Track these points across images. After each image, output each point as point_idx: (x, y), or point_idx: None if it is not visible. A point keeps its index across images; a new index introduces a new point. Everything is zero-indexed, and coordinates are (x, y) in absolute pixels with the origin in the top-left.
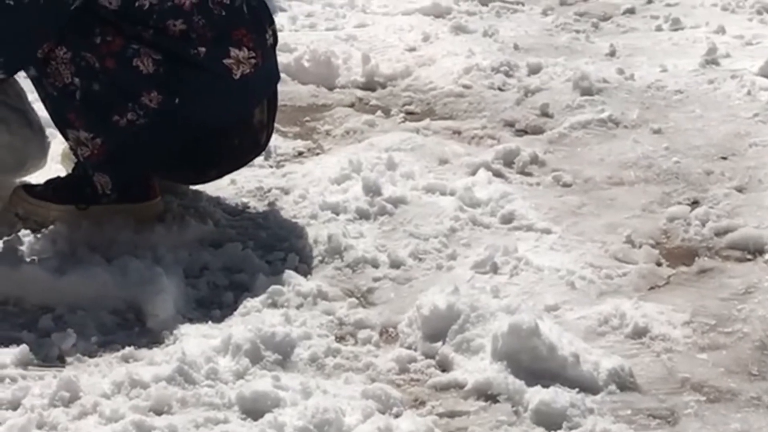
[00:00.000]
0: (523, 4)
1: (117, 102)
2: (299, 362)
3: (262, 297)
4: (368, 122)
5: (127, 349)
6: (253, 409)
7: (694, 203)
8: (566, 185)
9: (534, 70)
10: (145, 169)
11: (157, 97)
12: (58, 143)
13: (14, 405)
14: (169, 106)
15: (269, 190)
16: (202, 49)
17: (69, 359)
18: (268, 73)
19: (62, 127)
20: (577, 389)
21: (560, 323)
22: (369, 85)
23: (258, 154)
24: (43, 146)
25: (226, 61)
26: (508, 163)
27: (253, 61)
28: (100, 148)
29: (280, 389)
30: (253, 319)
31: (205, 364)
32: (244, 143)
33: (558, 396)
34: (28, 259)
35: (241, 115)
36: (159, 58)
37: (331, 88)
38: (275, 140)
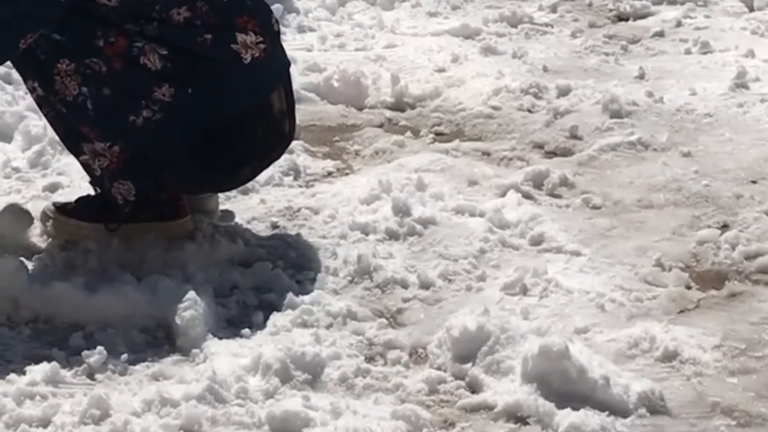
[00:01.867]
0: (552, 26)
1: (130, 103)
2: (329, 382)
3: (292, 316)
4: (397, 143)
5: (157, 367)
6: (283, 428)
7: (724, 227)
8: (596, 207)
9: (563, 92)
10: (169, 173)
11: (170, 90)
12: None
13: (45, 422)
14: (183, 98)
15: (299, 210)
16: (209, 36)
17: (99, 377)
18: (278, 57)
19: (75, 144)
20: (607, 412)
21: (590, 346)
22: (398, 106)
23: (285, 148)
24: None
25: (234, 47)
26: (538, 185)
27: (261, 45)
28: (119, 155)
29: (310, 409)
30: (282, 338)
31: (235, 383)
32: (269, 134)
33: (588, 419)
34: (58, 277)
35: (257, 99)
36: (165, 53)
37: (360, 109)
38: (304, 160)
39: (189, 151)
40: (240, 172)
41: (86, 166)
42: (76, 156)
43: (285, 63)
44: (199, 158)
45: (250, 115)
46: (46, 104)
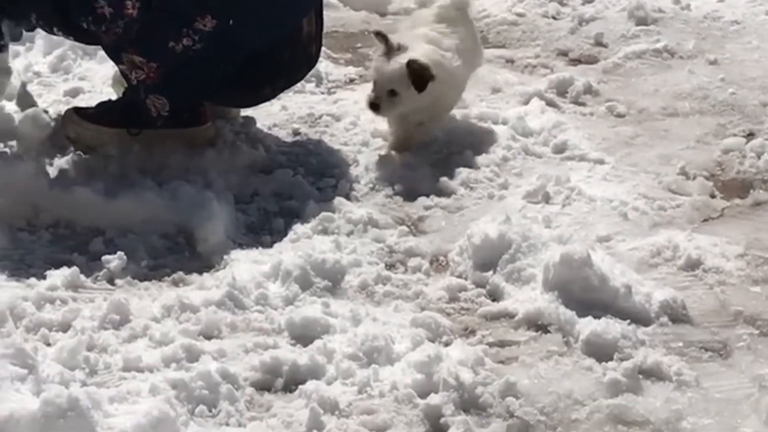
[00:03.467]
0: None
1: (172, 28)
2: (349, 289)
3: (313, 223)
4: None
5: (177, 274)
6: (303, 335)
7: (750, 135)
8: (620, 116)
9: None
10: (202, 91)
11: (211, 21)
12: (110, 67)
13: (64, 327)
14: (223, 29)
15: (320, 117)
16: None
17: (119, 282)
18: None
19: (116, 53)
20: (628, 321)
21: (612, 254)
22: None
23: (310, 68)
24: None
25: None
26: (562, 93)
27: None
28: (156, 71)
29: (329, 315)
30: (303, 245)
31: (255, 290)
32: (296, 57)
33: (609, 327)
34: (79, 182)
35: (292, 26)
36: None
37: (383, 15)
38: (326, 67)
39: (220, 73)
40: (263, 91)
41: (124, 75)
42: (116, 63)
43: None
44: (229, 79)
45: (280, 39)
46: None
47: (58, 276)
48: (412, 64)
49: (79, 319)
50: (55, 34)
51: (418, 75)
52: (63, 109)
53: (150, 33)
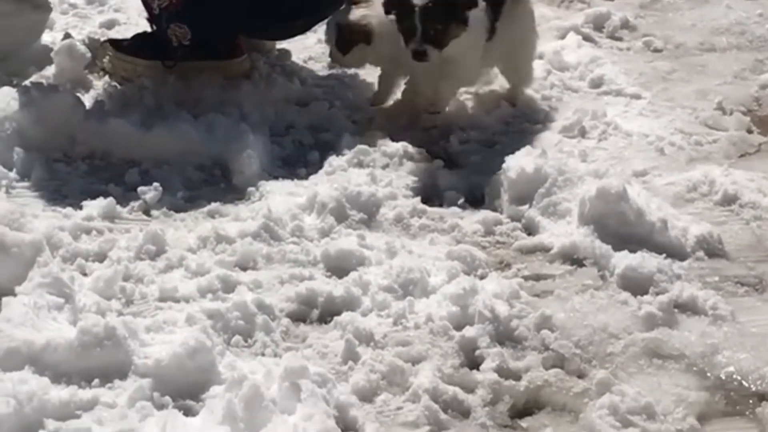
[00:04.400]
0: None
1: None
2: (384, 222)
3: (348, 156)
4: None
5: (213, 205)
6: (338, 266)
7: None
8: (657, 50)
9: None
10: (224, 20)
11: None
12: None
13: (101, 257)
14: None
15: None
16: None
17: (155, 213)
18: None
19: None
20: (664, 255)
21: (648, 189)
22: None
23: (341, 4)
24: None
25: None
26: (598, 28)
27: None
28: None
29: (365, 248)
30: (338, 177)
31: (290, 222)
32: None
33: (645, 261)
34: (114, 114)
35: None
36: None
37: None
38: None
39: (246, 2)
40: (295, 23)
41: (145, 4)
42: None
43: None
44: (255, 9)
45: None
46: None
47: (94, 206)
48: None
49: (115, 249)
50: None
51: (344, 38)
52: (98, 40)
53: None
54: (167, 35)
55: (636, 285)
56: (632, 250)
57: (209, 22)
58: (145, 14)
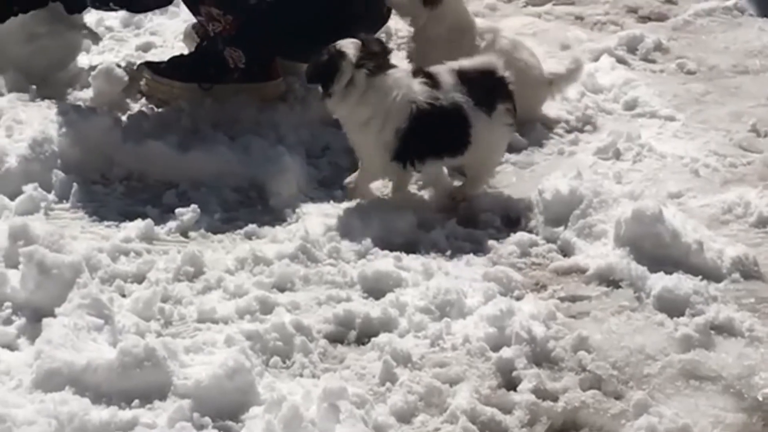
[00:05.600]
0: None
1: None
2: (421, 243)
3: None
4: (490, 6)
5: (250, 227)
6: (375, 288)
7: None
8: (690, 73)
9: None
10: (276, 43)
11: None
12: (180, 22)
13: (139, 278)
14: None
15: None
16: None
17: (192, 234)
18: None
19: (194, 3)
20: (700, 276)
21: (683, 210)
22: None
23: (381, 25)
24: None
25: None
26: (632, 50)
27: None
28: (232, 23)
29: (402, 269)
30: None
31: (327, 243)
32: (368, 12)
33: (681, 283)
34: (151, 135)
35: None
36: None
37: None
38: (396, 23)
39: (294, 28)
40: None
41: (202, 26)
42: (194, 15)
43: None
44: (299, 31)
45: None
46: None
47: (132, 228)
48: None
49: (154, 270)
50: (111, 9)
51: None
52: (135, 63)
53: None
54: (224, 57)
55: (672, 306)
56: (668, 272)
57: (262, 45)
58: (180, 36)
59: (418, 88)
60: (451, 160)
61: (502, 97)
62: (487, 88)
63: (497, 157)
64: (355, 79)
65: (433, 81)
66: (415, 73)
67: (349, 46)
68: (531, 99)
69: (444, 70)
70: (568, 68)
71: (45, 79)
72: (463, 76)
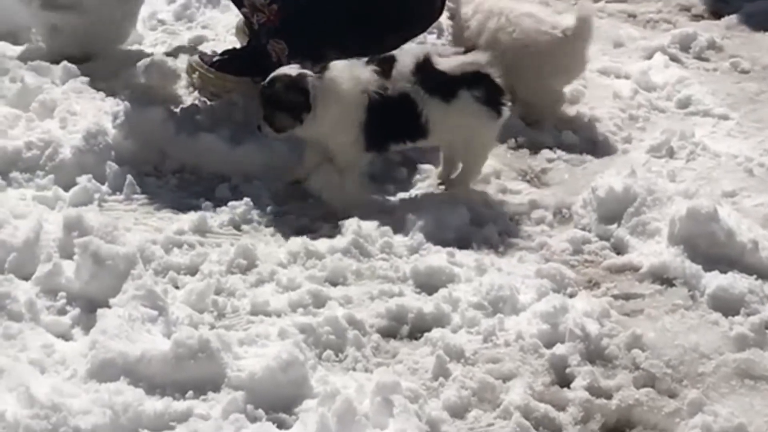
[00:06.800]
0: None
1: None
2: (473, 239)
3: (435, 173)
4: (541, 2)
5: (302, 220)
6: (428, 283)
7: None
8: (744, 71)
9: None
10: (320, 35)
11: None
12: (233, 15)
13: (192, 270)
14: None
15: None
16: None
17: (245, 228)
18: None
19: None
20: (755, 276)
21: (738, 209)
22: None
23: (434, 21)
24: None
25: None
26: (685, 48)
27: None
28: (276, 14)
29: (454, 265)
30: (426, 195)
31: (380, 238)
32: (420, 8)
33: (736, 282)
34: (204, 129)
35: None
36: None
37: None
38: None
39: (343, 18)
40: (387, 40)
41: (246, 18)
42: (238, 7)
43: None
44: (349, 24)
45: None
46: None
47: (185, 220)
48: None
49: (207, 263)
50: None
51: None
52: (188, 56)
53: None
54: (267, 50)
55: (727, 305)
56: (723, 271)
57: (306, 37)
58: (233, 30)
59: (367, 77)
60: (414, 143)
61: (469, 86)
62: (451, 76)
63: (477, 144)
64: (315, 92)
65: (384, 69)
66: (369, 62)
67: (293, 68)
68: (550, 61)
69: (405, 57)
70: (577, 17)
71: (97, 68)
72: (422, 64)
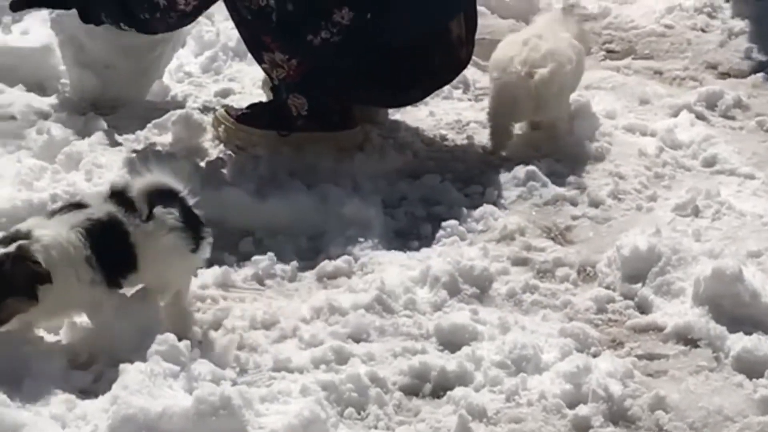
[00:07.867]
0: None
1: (310, 21)
2: (497, 297)
3: (461, 230)
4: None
5: (326, 276)
6: (451, 341)
7: None
8: None
9: (738, 12)
10: (341, 90)
11: (349, 13)
12: (259, 68)
13: (215, 326)
14: (360, 22)
15: (467, 124)
16: None
17: (268, 282)
18: None
19: (257, 51)
20: None
21: (764, 270)
22: None
23: (458, 73)
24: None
25: None
26: (711, 106)
27: None
28: (296, 69)
29: (478, 323)
30: (451, 251)
31: (403, 294)
32: (444, 60)
33: (761, 344)
34: (229, 182)
35: (434, 27)
36: None
37: (529, 23)
38: (474, 74)
39: (363, 71)
40: (411, 92)
41: (267, 74)
42: (258, 62)
43: None
44: (371, 77)
45: (427, 41)
46: (233, 8)
47: (209, 275)
48: None
49: (230, 318)
50: (121, 29)
51: None
52: (214, 109)
53: (288, 26)
54: (287, 105)
55: (751, 368)
56: (747, 332)
57: (325, 91)
58: (259, 83)
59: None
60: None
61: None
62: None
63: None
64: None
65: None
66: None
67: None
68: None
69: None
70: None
71: (123, 120)
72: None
